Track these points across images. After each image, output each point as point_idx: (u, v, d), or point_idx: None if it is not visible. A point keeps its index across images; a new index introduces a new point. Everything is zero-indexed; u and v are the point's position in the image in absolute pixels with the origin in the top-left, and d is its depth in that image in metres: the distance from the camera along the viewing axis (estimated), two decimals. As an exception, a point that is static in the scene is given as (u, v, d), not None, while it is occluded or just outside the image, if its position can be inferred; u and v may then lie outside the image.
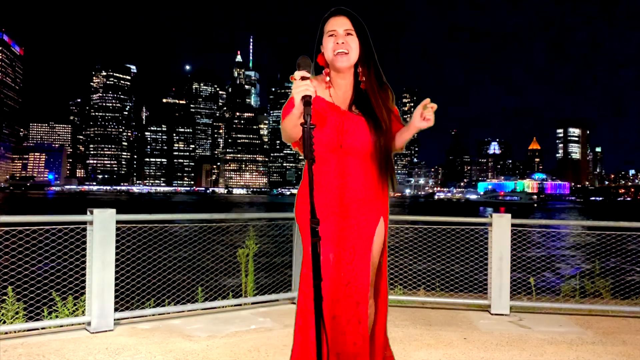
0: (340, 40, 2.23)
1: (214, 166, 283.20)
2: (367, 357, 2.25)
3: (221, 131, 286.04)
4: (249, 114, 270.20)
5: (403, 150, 2.41)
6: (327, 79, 2.32)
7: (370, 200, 2.28)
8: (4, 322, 3.86)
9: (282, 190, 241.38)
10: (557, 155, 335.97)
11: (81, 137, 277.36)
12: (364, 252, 2.24)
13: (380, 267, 2.36)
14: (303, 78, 2.00)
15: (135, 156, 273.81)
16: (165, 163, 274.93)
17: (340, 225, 2.23)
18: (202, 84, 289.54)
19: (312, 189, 2.01)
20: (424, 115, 2.17)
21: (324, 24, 2.29)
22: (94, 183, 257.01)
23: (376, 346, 2.37)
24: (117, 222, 3.98)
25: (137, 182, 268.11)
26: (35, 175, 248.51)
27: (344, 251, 2.22)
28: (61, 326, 3.91)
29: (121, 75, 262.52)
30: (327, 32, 2.26)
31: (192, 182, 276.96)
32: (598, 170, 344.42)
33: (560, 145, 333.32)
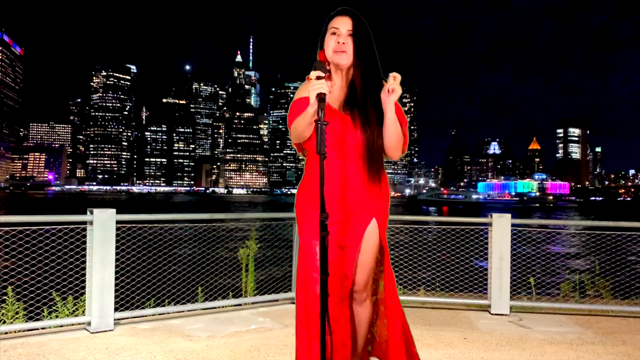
0: (342, 40, 2.27)
1: (214, 166, 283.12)
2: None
3: (221, 131, 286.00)
4: (249, 114, 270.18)
5: (405, 143, 2.31)
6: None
7: (362, 201, 2.29)
8: (4, 322, 3.86)
9: (287, 190, 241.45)
10: (557, 155, 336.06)
11: (81, 137, 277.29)
12: (351, 251, 2.27)
13: (381, 269, 2.36)
14: (318, 77, 2.10)
15: (135, 156, 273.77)
16: (165, 163, 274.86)
17: (333, 223, 2.23)
18: (202, 84, 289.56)
19: (322, 185, 2.05)
20: (387, 88, 2.21)
21: (328, 22, 2.34)
22: (94, 183, 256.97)
23: (390, 352, 2.37)
24: (117, 222, 3.98)
25: (137, 182, 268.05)
26: (35, 175, 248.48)
27: (334, 250, 2.24)
28: (61, 326, 3.91)
29: (121, 75, 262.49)
30: (331, 29, 2.30)
31: (192, 182, 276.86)
32: (598, 170, 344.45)
33: (560, 145, 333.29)
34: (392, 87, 2.20)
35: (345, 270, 2.27)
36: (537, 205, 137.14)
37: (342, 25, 2.28)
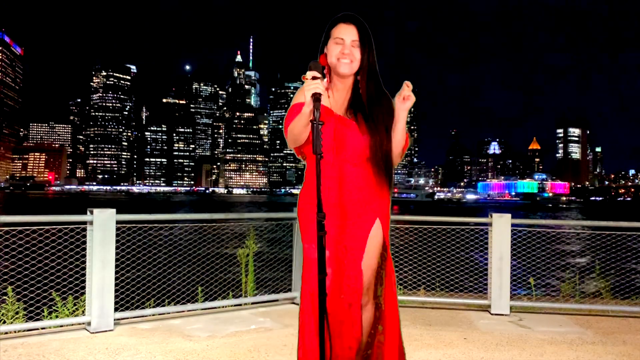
0: (347, 50, 2.27)
1: (214, 166, 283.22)
2: None
3: (221, 131, 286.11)
4: (249, 114, 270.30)
5: (405, 147, 2.35)
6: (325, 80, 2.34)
7: (366, 202, 2.29)
8: (4, 322, 3.86)
9: (290, 189, 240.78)
10: (557, 155, 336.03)
11: (81, 137, 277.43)
12: (357, 253, 2.26)
13: (382, 271, 2.34)
14: (314, 78, 2.10)
15: (135, 156, 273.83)
16: (165, 163, 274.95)
17: (336, 225, 2.24)
18: (202, 84, 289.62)
19: (319, 185, 2.05)
20: (402, 95, 2.25)
21: (332, 27, 2.32)
22: (94, 183, 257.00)
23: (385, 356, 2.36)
24: (117, 222, 3.98)
25: (137, 182, 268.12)
26: (35, 175, 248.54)
27: (338, 251, 2.24)
28: (61, 326, 3.91)
29: (121, 75, 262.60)
30: (335, 38, 2.30)
31: (192, 182, 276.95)
32: (598, 170, 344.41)
33: (560, 145, 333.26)
34: (408, 94, 2.24)
35: (354, 273, 2.25)
36: (550, 205, 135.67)
37: (347, 34, 2.28)
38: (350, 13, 2.32)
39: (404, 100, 2.24)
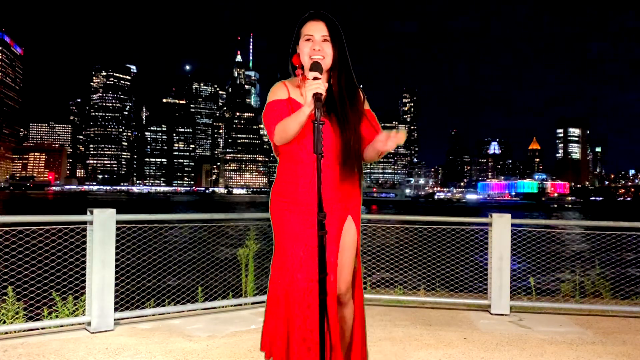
0: (317, 47, 2.28)
1: (214, 166, 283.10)
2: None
3: (221, 131, 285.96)
4: (249, 114, 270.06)
5: (374, 160, 2.38)
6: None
7: (338, 200, 2.31)
8: (4, 322, 3.86)
9: None
10: (557, 155, 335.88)
11: (81, 137, 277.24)
12: (331, 250, 2.27)
13: (355, 267, 2.37)
14: (315, 78, 2.13)
15: (135, 156, 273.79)
16: (165, 163, 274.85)
17: (310, 222, 2.24)
18: (202, 84, 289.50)
19: (319, 183, 2.07)
20: (394, 140, 2.18)
21: (301, 26, 2.34)
22: (94, 183, 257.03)
23: (352, 352, 2.39)
24: (117, 222, 3.98)
25: (137, 182, 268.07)
26: (35, 175, 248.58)
27: (313, 249, 2.24)
28: (61, 326, 3.91)
29: (121, 75, 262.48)
30: (304, 36, 2.31)
31: (192, 182, 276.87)
32: (598, 170, 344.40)
33: (560, 145, 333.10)
34: (390, 145, 2.18)
35: (330, 271, 2.24)
36: (555, 206, 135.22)
37: (316, 30, 2.29)
38: (319, 11, 2.34)
39: (384, 145, 2.20)
